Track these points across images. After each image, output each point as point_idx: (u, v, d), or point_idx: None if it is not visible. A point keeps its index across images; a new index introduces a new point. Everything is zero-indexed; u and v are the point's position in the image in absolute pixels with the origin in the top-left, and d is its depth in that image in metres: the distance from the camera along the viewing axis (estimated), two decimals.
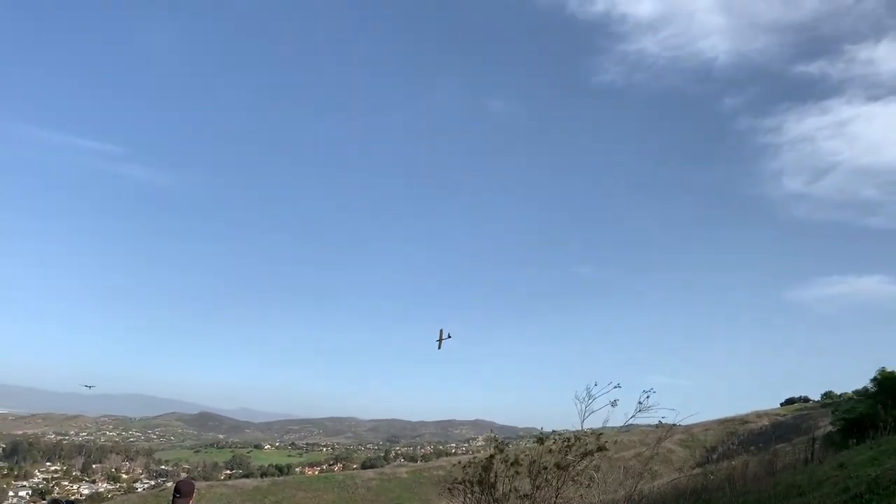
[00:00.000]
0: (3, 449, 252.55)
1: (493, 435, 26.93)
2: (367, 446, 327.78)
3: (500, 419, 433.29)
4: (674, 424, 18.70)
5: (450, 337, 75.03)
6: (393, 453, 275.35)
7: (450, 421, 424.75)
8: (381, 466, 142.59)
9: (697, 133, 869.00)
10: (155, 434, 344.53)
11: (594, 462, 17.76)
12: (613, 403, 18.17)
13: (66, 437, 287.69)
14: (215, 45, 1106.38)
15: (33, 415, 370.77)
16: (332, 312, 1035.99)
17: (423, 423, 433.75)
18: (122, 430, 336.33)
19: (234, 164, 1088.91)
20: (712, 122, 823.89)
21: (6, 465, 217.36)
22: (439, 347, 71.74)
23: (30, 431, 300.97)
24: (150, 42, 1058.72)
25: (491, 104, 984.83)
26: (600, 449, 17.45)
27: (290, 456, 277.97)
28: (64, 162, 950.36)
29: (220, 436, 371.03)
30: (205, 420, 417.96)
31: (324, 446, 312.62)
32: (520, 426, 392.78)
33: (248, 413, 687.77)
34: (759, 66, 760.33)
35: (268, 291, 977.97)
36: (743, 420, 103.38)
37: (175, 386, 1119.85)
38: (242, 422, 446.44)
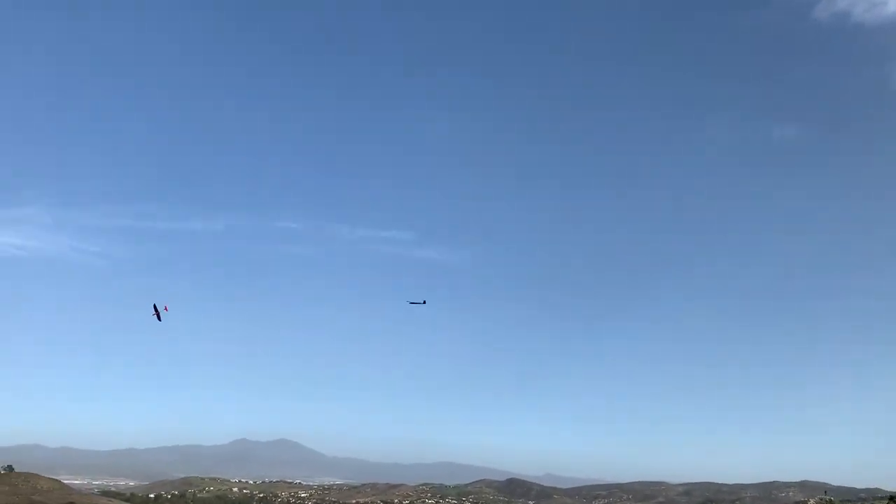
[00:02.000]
0: None
1: (827, 498, 23.12)
2: None
3: (834, 479, 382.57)
4: None
5: (424, 303, 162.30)
6: None
7: (772, 482, 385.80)
8: None
9: None
10: (469, 501, 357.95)
11: None
12: None
13: None
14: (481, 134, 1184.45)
15: (363, 484, 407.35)
16: (633, 373, 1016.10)
17: (741, 486, 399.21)
18: (439, 497, 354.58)
19: (517, 240, 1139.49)
20: None
21: None
22: (412, 303, 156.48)
23: (361, 500, 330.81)
24: (425, 136, 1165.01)
25: (776, 130, 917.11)
26: None
27: None
28: (369, 251, 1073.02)
29: (530, 502, 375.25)
30: (514, 486, 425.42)
31: None
32: (859, 486, 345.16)
33: (554, 479, 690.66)
34: None
35: (562, 357, 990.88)
36: None
37: (483, 453, 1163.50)
38: (549, 487, 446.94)
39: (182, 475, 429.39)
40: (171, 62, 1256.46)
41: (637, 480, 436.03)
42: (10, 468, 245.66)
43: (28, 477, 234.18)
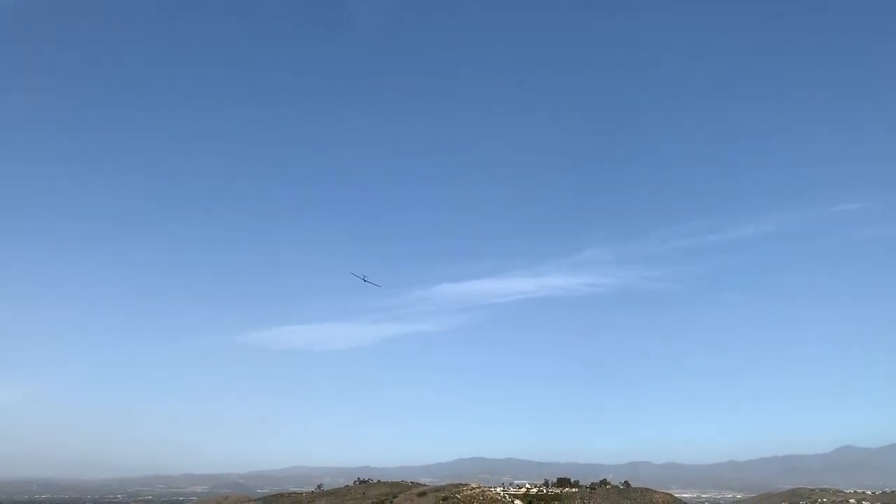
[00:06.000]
0: None
1: None
2: None
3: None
4: None
5: (365, 279, 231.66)
6: None
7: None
8: None
9: None
10: None
11: None
12: None
13: None
14: None
15: None
16: None
17: None
18: None
19: None
20: None
21: None
22: (364, 280, 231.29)
23: None
24: None
25: None
26: None
27: None
28: None
29: None
30: None
31: None
32: None
33: None
34: None
35: None
36: None
37: None
38: None
39: (788, 486, 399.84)
40: None
41: None
42: (626, 484, 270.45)
43: (644, 492, 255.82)
